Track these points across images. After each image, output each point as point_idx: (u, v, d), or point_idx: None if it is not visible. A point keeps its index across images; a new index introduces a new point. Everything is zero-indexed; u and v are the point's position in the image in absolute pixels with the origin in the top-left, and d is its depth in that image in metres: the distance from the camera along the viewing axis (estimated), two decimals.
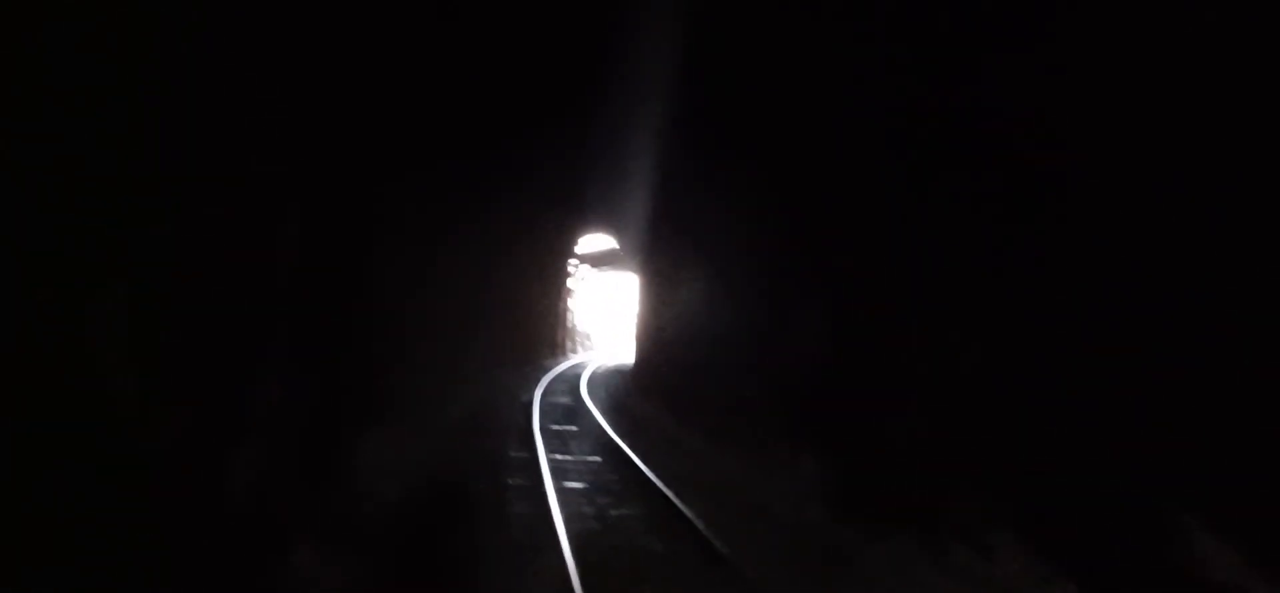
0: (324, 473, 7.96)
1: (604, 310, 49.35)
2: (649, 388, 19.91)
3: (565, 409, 16.49)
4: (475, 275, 18.78)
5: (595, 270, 40.35)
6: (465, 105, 14.67)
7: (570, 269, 37.12)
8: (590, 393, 19.55)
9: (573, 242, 34.38)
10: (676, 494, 8.28)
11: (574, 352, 40.05)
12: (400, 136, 12.04)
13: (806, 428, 9.31)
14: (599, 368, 29.96)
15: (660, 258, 20.33)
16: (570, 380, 23.53)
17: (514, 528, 7.40)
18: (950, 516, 5.94)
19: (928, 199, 7.64)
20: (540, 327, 31.63)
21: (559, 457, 10.91)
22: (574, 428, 13.85)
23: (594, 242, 35.52)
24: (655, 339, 21.28)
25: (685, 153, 15.62)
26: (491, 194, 19.35)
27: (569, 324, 40.82)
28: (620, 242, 32.23)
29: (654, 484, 8.86)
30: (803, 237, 9.97)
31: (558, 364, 30.43)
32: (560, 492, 8.58)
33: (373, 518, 7.38)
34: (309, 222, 8.36)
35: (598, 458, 11.07)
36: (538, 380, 22.06)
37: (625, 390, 21.38)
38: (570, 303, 40.22)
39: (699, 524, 7.13)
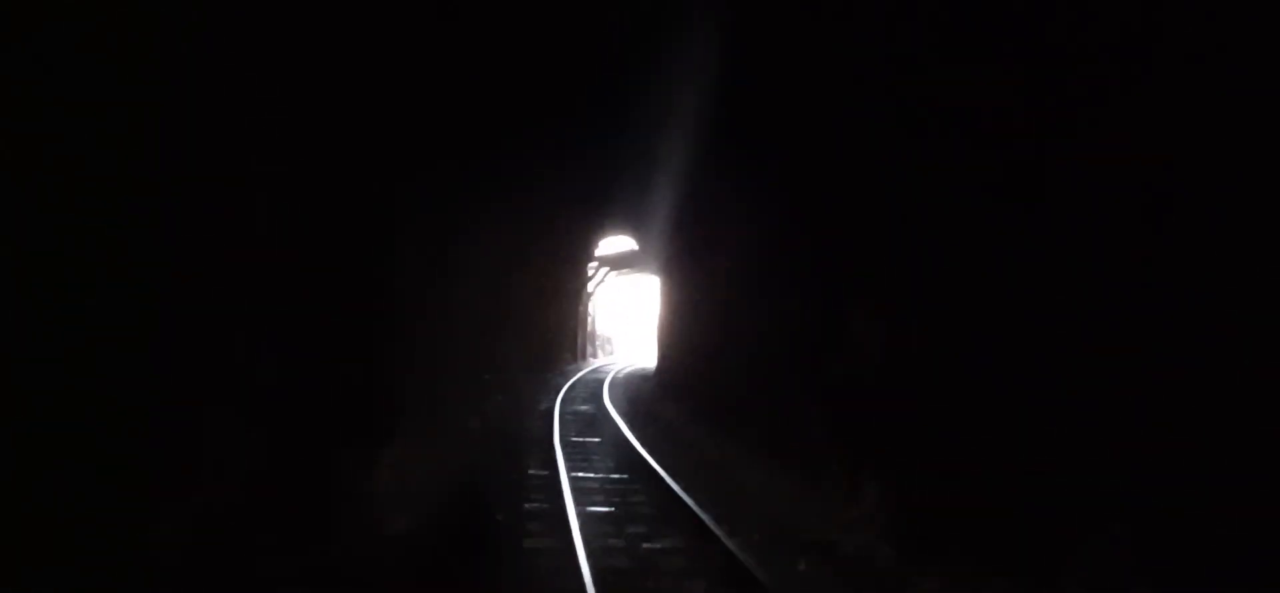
0: (316, 500, 6.95)
1: (624, 314, 48.39)
2: (675, 395, 18.83)
3: (587, 419, 15.47)
4: (494, 278, 17.85)
5: (615, 273, 39.29)
6: (483, 101, 13.74)
7: (589, 272, 36.11)
8: (613, 401, 18.51)
9: (593, 243, 33.29)
10: (718, 523, 7.21)
11: (594, 356, 39.05)
12: (415, 132, 11.15)
13: (868, 446, 8.20)
14: (620, 373, 28.92)
15: (687, 258, 19.26)
16: (592, 387, 22.52)
17: (531, 569, 6.36)
18: (1067, 566, 4.83)
19: (1001, 190, 6.59)
20: (560, 331, 30.70)
21: (582, 475, 9.86)
22: (597, 439, 12.81)
23: (614, 243, 34.37)
24: (681, 344, 20.20)
25: (715, 146, 14.53)
26: (511, 193, 18.45)
27: (589, 328, 39.85)
28: (641, 242, 31.05)
29: (691, 510, 7.79)
30: (858, 232, 8.87)
31: (578, 369, 29.45)
32: (585, 521, 7.53)
33: (367, 552, 6.36)
34: (310, 221, 7.49)
35: (624, 475, 10.02)
36: (558, 387, 21.08)
37: (649, 397, 20.32)
38: (590, 306, 39.24)
39: (757, 571, 6.04)
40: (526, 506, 8.17)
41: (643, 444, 11.29)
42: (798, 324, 10.66)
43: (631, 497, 8.86)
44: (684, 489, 8.46)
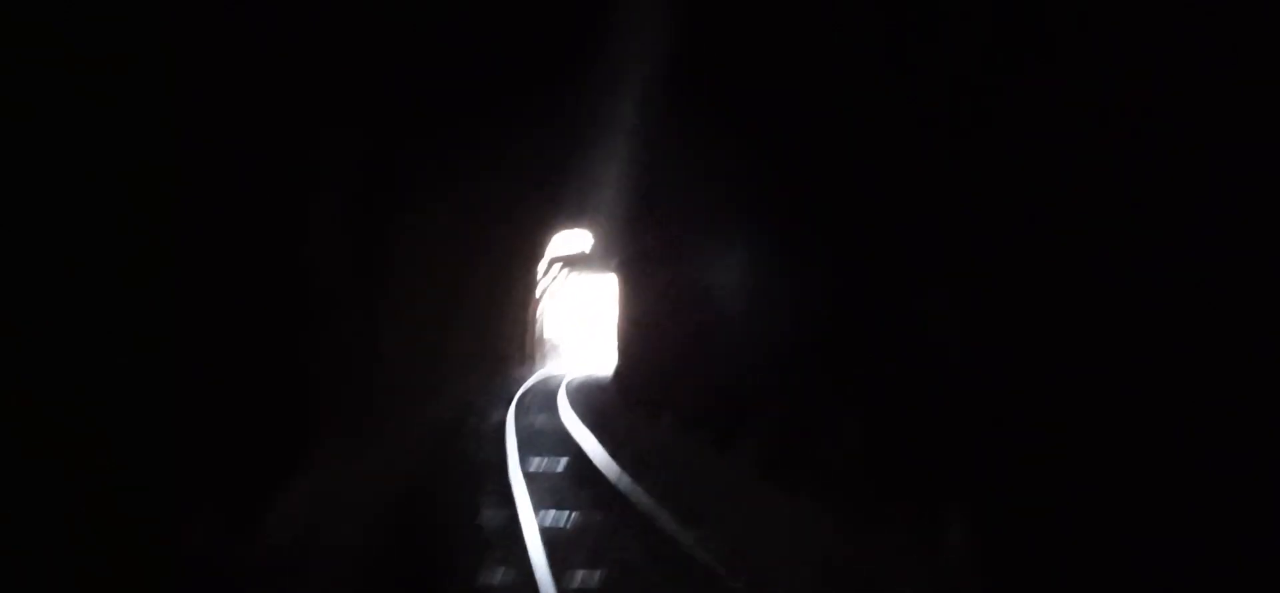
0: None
1: (575, 315, 45.99)
2: (643, 403, 16.42)
3: (549, 435, 13.04)
4: (439, 275, 15.47)
5: (569, 271, 36.88)
6: (425, 73, 11.42)
7: (541, 270, 33.67)
8: (574, 410, 16.11)
9: (545, 240, 30.75)
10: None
11: (544, 360, 36.59)
12: (343, 99, 8.81)
13: (945, 474, 5.92)
14: (574, 378, 26.52)
15: (657, 241, 16.86)
16: (546, 395, 20.08)
17: None
18: None
19: None
20: (509, 334, 28.29)
21: (554, 524, 7.39)
22: (564, 462, 10.39)
23: (567, 240, 31.88)
24: (647, 343, 17.80)
25: (694, 110, 12.15)
26: (458, 185, 16.18)
27: (539, 330, 37.40)
28: (596, 237, 28.55)
29: (716, 571, 5.45)
30: (923, 178, 6.56)
31: (529, 374, 27.05)
32: None
33: None
34: (210, 210, 5.17)
35: (608, 516, 7.59)
36: (510, 395, 18.63)
37: (613, 406, 17.95)
38: (540, 307, 36.81)
39: None
40: (482, 576, 5.72)
41: (624, 469, 8.89)
42: (825, 311, 8.35)
43: (626, 553, 6.43)
44: (693, 533, 6.11)
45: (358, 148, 9.64)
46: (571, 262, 34.62)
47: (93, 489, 4.71)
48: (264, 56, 6.49)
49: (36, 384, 4.15)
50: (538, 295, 35.31)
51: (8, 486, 4.04)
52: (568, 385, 21.99)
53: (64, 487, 4.49)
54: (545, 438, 12.60)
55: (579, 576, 5.67)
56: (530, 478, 8.98)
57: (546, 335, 40.60)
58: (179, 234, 5.19)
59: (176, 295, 5.15)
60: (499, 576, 5.67)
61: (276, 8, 6.76)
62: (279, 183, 7.01)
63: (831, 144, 8.27)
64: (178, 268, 5.18)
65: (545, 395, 19.92)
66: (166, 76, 4.94)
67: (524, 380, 23.71)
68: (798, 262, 9.08)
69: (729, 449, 10.11)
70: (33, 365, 4.09)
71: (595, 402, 18.90)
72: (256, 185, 6.40)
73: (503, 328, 26.37)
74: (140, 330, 4.86)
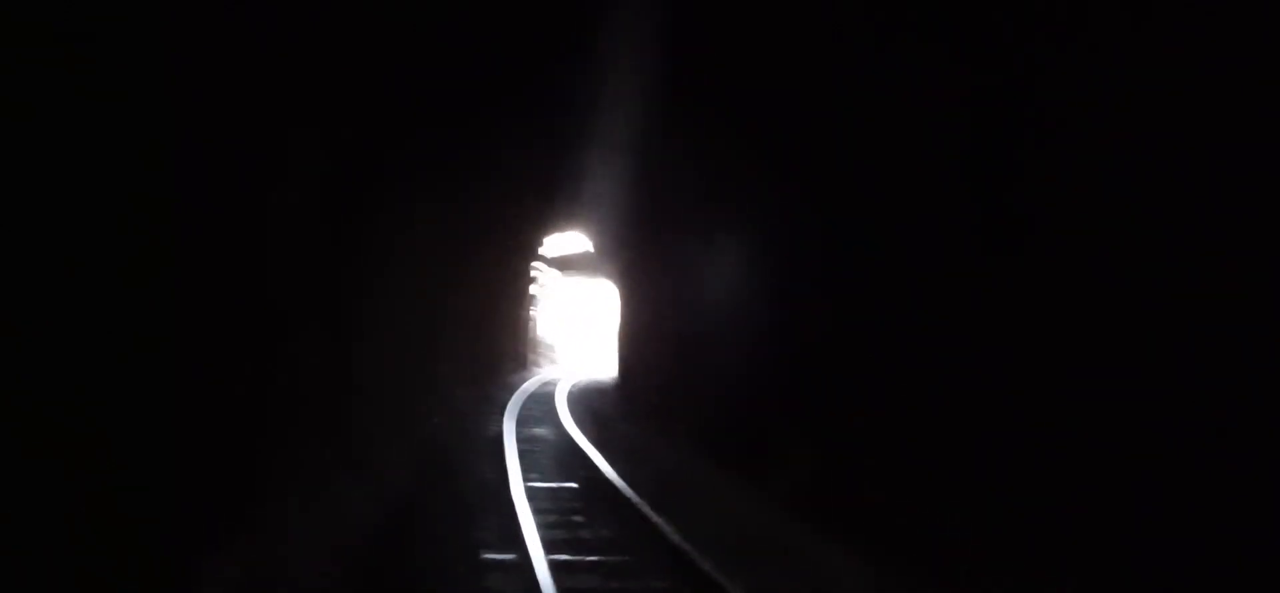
0: None
1: (571, 319, 45.53)
2: (653, 419, 15.78)
3: (553, 451, 12.44)
4: (429, 276, 14.97)
5: (563, 274, 36.48)
6: (420, 73, 10.98)
7: (534, 273, 33.22)
8: (577, 425, 15.54)
9: (539, 241, 30.18)
10: None
11: (539, 365, 36.06)
12: (320, 97, 8.24)
13: (1067, 529, 5.26)
14: (574, 385, 25.93)
15: (659, 248, 16.29)
16: (545, 403, 19.48)
17: None
18: None
19: None
20: (503, 338, 27.76)
21: (567, 562, 6.86)
22: (574, 486, 9.82)
23: (562, 242, 31.28)
24: (655, 352, 17.22)
25: (695, 102, 11.47)
26: (448, 180, 15.71)
27: (534, 334, 36.93)
28: (593, 239, 27.84)
29: None
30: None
31: (525, 381, 26.46)
32: None
33: None
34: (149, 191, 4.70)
35: (633, 557, 7.07)
36: (506, 404, 18.03)
37: (618, 420, 17.33)
38: (534, 311, 36.35)
39: None
40: None
41: (646, 501, 8.25)
42: (847, 318, 7.69)
43: None
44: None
45: (331, 144, 8.93)
46: (567, 264, 34.16)
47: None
48: (236, 50, 5.90)
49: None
50: (534, 297, 34.88)
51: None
52: (567, 397, 21.48)
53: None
54: (552, 457, 12.12)
55: None
56: (536, 500, 8.43)
57: (543, 338, 40.13)
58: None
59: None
60: None
61: (256, 5, 6.19)
62: (241, 178, 6.30)
63: (839, 140, 7.78)
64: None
65: (545, 404, 19.40)
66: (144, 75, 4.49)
67: (520, 388, 23.16)
68: (814, 261, 8.53)
69: (756, 479, 9.54)
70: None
71: (600, 414, 18.43)
72: (216, 181, 5.80)
73: (496, 332, 25.90)
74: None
